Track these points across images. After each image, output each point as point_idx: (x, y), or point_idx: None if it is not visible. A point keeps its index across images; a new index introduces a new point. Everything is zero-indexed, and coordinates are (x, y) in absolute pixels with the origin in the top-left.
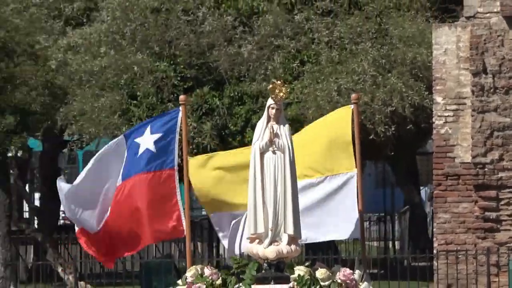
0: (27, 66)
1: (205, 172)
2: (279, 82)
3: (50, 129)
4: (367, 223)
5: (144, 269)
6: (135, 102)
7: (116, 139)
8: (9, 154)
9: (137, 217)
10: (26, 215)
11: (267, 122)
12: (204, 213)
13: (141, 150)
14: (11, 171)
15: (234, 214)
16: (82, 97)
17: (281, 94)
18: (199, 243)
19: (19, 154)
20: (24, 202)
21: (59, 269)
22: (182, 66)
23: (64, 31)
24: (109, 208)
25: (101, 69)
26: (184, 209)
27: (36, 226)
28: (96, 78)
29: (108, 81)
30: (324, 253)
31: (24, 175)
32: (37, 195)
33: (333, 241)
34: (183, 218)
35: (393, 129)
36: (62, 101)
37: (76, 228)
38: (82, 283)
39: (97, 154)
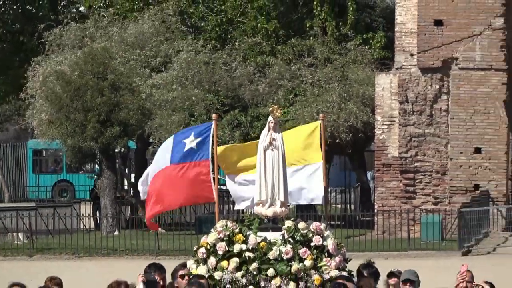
0: (127, 96)
1: (228, 150)
2: (276, 106)
3: (141, 135)
4: (334, 193)
5: (198, 221)
6: (193, 119)
7: (169, 139)
8: (116, 150)
9: (183, 188)
10: (125, 187)
11: (268, 131)
12: None
13: (186, 148)
14: (117, 160)
15: (242, 176)
16: (161, 116)
17: (277, 114)
18: (231, 205)
19: (122, 150)
20: (124, 179)
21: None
22: (222, 97)
23: (151, 75)
24: (162, 180)
25: (173, 99)
26: (214, 184)
27: (131, 194)
28: (169, 104)
29: (177, 106)
30: (307, 212)
31: (125, 162)
32: (132, 175)
33: (313, 204)
34: (213, 190)
35: (350, 136)
36: (148, 118)
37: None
38: (159, 229)
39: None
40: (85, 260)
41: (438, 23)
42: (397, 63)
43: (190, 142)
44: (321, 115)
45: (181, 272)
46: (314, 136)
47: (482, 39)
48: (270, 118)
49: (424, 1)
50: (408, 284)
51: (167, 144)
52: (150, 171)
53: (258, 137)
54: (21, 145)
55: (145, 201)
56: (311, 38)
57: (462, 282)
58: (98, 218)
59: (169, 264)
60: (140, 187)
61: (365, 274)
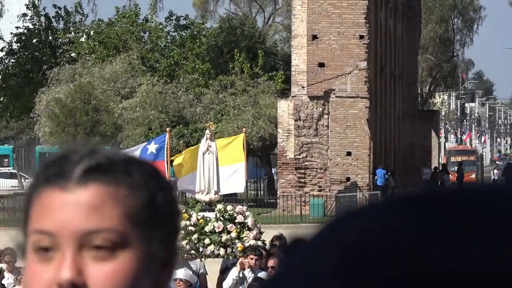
0: (105, 116)
1: (180, 157)
2: (211, 123)
3: (114, 143)
4: (249, 183)
5: None
6: (150, 131)
7: (135, 148)
8: None
9: None
10: None
11: (206, 140)
12: None
13: (149, 151)
14: None
15: (190, 174)
16: (128, 129)
17: (212, 128)
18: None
19: None
20: None
21: None
22: (171, 116)
23: (121, 101)
24: None
25: (136, 117)
26: (168, 177)
27: None
28: (134, 121)
29: (139, 122)
30: (231, 196)
31: None
32: None
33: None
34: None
35: (260, 143)
36: (120, 131)
37: None
38: None
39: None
40: None
41: (321, 65)
42: (293, 93)
43: (151, 148)
44: (244, 129)
45: None
46: (238, 144)
47: (352, 76)
48: (207, 131)
49: (311, 49)
50: None
51: (136, 151)
52: None
53: (196, 144)
54: (31, 150)
55: None
56: (233, 75)
57: None
58: None
59: None
60: None
61: (277, 244)
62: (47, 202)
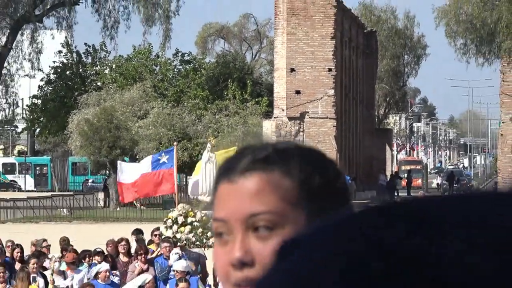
0: (124, 133)
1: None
2: (212, 137)
3: (132, 154)
4: None
5: (163, 202)
6: (161, 145)
7: (148, 157)
8: (118, 163)
9: (157, 183)
10: None
11: (207, 152)
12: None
13: (161, 161)
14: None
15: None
16: (143, 143)
17: (213, 142)
18: (182, 194)
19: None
20: None
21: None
22: (178, 133)
23: (137, 121)
24: (142, 177)
25: (149, 134)
26: (176, 182)
27: None
28: (147, 137)
29: (151, 138)
30: None
31: None
32: None
33: None
34: (175, 185)
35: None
36: (136, 145)
37: (118, 181)
38: (138, 205)
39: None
40: (101, 224)
41: (298, 92)
42: (275, 114)
43: (162, 158)
44: (236, 143)
45: (155, 233)
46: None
47: (322, 101)
48: (208, 144)
49: (290, 80)
50: None
51: (147, 160)
52: (135, 170)
53: (196, 156)
54: (65, 160)
55: (123, 186)
56: (227, 100)
57: None
58: (106, 200)
59: (148, 227)
60: (120, 172)
61: None
62: (220, 194)
